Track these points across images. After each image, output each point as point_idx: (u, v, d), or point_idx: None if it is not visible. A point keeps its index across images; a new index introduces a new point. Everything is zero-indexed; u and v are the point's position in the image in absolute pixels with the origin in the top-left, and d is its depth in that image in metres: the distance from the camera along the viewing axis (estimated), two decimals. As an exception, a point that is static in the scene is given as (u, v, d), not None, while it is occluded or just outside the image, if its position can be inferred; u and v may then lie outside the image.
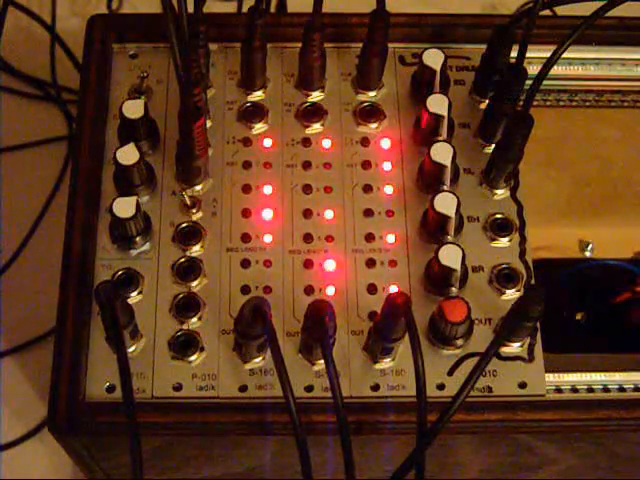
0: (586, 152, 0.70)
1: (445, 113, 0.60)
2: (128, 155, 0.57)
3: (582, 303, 0.69)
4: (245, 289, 0.59)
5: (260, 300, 0.51)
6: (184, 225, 0.60)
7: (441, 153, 0.58)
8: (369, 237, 0.60)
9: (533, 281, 0.59)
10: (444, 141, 0.59)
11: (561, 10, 0.67)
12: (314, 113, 0.64)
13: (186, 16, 0.55)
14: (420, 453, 0.50)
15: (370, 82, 0.64)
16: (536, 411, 0.56)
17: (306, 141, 0.63)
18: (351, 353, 0.57)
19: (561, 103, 0.69)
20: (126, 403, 0.50)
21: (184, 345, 0.57)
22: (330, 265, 0.59)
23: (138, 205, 0.56)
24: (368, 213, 0.61)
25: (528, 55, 0.59)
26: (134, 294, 0.58)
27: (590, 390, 0.59)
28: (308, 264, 0.59)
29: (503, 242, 0.60)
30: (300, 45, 0.62)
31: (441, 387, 0.57)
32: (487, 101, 0.64)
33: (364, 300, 0.59)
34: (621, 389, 0.59)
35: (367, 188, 0.62)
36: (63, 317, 0.56)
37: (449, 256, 0.56)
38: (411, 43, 0.66)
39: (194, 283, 0.58)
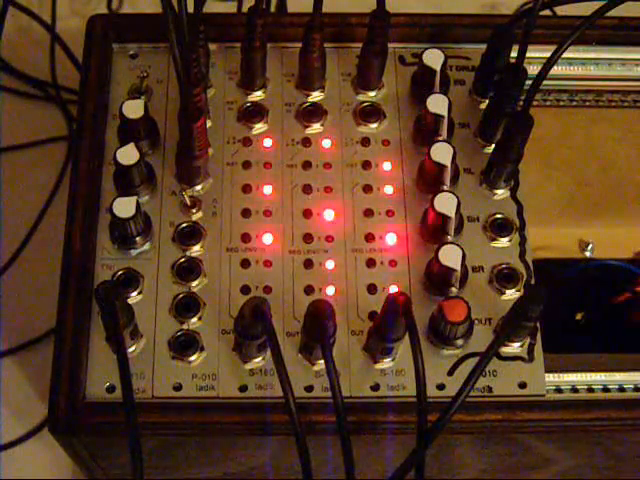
0: (586, 152, 0.70)
1: (445, 113, 0.60)
2: (128, 155, 0.57)
3: (582, 303, 0.69)
4: (245, 289, 0.59)
5: (260, 300, 0.51)
6: (184, 225, 0.60)
7: (441, 153, 0.58)
8: (369, 237, 0.60)
9: (533, 281, 0.59)
10: (444, 141, 0.59)
11: (561, 10, 0.67)
12: (314, 113, 0.64)
13: (186, 16, 0.55)
14: (420, 453, 0.50)
15: (370, 82, 0.64)
16: (536, 411, 0.56)
17: (306, 141, 0.63)
18: (351, 353, 0.57)
19: (561, 103, 0.69)
20: (126, 403, 0.50)
21: (184, 345, 0.57)
22: (330, 265, 0.59)
23: (138, 205, 0.56)
24: (368, 213, 0.61)
25: (528, 55, 0.59)
26: (134, 294, 0.58)
27: (590, 390, 0.59)
28: (308, 264, 0.59)
29: (503, 242, 0.60)
30: (300, 45, 0.62)
31: (441, 387, 0.57)
32: (487, 101, 0.64)
33: (364, 300, 0.59)
34: (621, 389, 0.59)
35: (367, 188, 0.62)
36: (63, 317, 0.56)
37: (449, 256, 0.56)
38: (411, 43, 0.66)
39: (194, 283, 0.58)
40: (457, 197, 0.57)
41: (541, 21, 0.60)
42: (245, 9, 0.60)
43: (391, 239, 0.60)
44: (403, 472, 0.50)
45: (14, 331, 0.82)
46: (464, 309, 0.55)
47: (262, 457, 0.62)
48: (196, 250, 0.59)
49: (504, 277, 0.59)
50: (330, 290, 0.59)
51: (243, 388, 0.56)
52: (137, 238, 0.58)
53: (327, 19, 0.62)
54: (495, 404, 0.56)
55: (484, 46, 0.63)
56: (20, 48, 0.93)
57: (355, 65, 0.65)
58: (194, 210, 0.60)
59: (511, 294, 0.59)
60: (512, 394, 0.57)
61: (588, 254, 0.69)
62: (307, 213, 0.61)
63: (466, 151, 0.63)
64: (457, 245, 0.56)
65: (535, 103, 0.65)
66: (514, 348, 0.58)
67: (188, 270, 0.59)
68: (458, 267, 0.56)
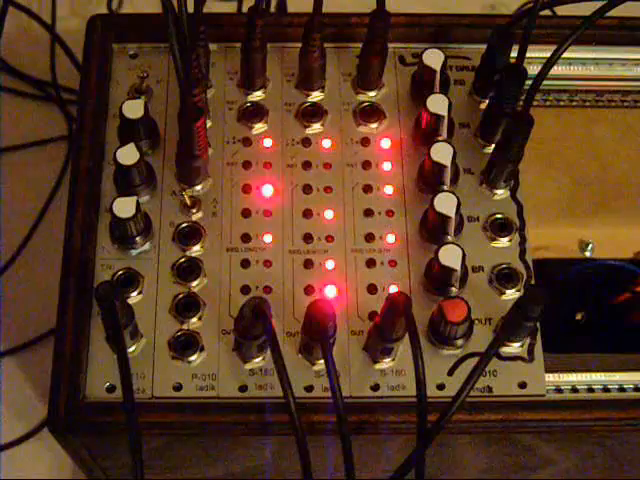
0: (586, 152, 0.70)
1: (445, 113, 0.60)
2: (128, 155, 0.57)
3: (582, 303, 0.69)
4: (245, 289, 0.59)
5: (260, 300, 0.51)
6: (184, 225, 0.60)
7: (441, 153, 0.58)
8: (369, 237, 0.60)
9: (533, 281, 0.59)
10: (444, 141, 0.59)
11: (561, 10, 0.67)
12: (314, 113, 0.64)
13: (186, 16, 0.55)
14: (420, 453, 0.50)
15: (370, 82, 0.64)
16: (536, 411, 0.56)
17: (306, 141, 0.63)
18: (351, 353, 0.57)
19: (561, 103, 0.69)
20: (126, 403, 0.50)
21: (184, 345, 0.57)
22: (330, 265, 0.59)
23: (138, 205, 0.56)
24: (368, 213, 0.61)
25: (528, 55, 0.59)
26: (134, 294, 0.58)
27: (590, 390, 0.59)
28: (308, 264, 0.59)
29: (503, 242, 0.60)
30: (300, 45, 0.62)
31: (441, 387, 0.57)
32: (487, 101, 0.64)
33: (364, 300, 0.59)
34: (621, 389, 0.59)
35: (367, 188, 0.62)
36: (63, 317, 0.56)
37: (449, 256, 0.56)
38: (411, 43, 0.66)
39: (194, 283, 0.58)
40: (457, 197, 0.57)
41: (541, 21, 0.60)
42: (245, 9, 0.60)
43: (391, 239, 0.60)
44: (403, 472, 0.50)
45: (14, 331, 0.82)
46: (464, 309, 0.55)
47: (262, 457, 0.62)
48: (196, 250, 0.59)
49: (504, 277, 0.59)
50: (330, 290, 0.59)
51: (243, 388, 0.56)
52: (137, 238, 0.58)
53: (327, 19, 0.62)
54: (495, 404, 0.56)
55: (484, 46, 0.63)
56: (20, 48, 0.93)
57: (355, 65, 0.65)
58: (194, 210, 0.60)
59: (511, 294, 0.59)
60: (512, 394, 0.57)
61: (588, 254, 0.69)
62: (307, 213, 0.61)
63: (466, 151, 0.63)
64: (457, 245, 0.56)
65: (535, 103, 0.65)
66: (514, 348, 0.58)
67: (188, 270, 0.59)
68: (458, 267, 0.56)
